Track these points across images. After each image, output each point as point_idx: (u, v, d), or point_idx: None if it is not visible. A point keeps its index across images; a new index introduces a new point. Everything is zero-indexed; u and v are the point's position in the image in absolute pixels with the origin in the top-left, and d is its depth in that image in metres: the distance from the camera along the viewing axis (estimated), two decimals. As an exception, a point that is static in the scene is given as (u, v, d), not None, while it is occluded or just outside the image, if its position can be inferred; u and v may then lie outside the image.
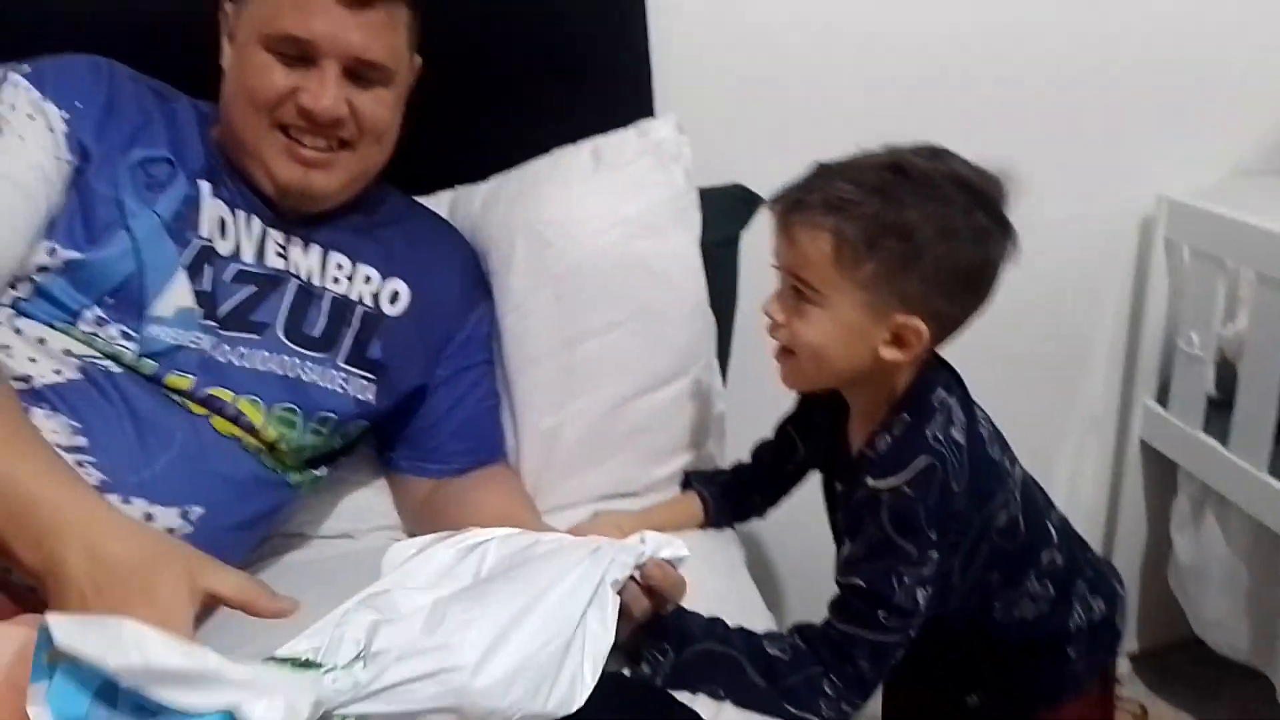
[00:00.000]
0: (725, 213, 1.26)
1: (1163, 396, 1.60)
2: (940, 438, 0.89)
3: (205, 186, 0.97)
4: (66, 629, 0.56)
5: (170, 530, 0.89)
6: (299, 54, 0.93)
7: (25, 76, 0.93)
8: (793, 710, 0.88)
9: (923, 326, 0.86)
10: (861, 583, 0.88)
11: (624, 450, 1.15)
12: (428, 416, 1.09)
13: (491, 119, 1.21)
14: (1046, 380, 1.66)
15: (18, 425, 0.78)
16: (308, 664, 0.66)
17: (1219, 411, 1.48)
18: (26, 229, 0.88)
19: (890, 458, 0.89)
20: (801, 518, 1.14)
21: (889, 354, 0.87)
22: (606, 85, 1.24)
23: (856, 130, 1.47)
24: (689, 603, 0.91)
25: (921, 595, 0.88)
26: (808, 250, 0.86)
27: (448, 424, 1.09)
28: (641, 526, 1.05)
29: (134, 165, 0.94)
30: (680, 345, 1.15)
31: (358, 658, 0.66)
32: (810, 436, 1.09)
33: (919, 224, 0.83)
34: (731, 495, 1.16)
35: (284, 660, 0.67)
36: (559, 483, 1.14)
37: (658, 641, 0.89)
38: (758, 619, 0.98)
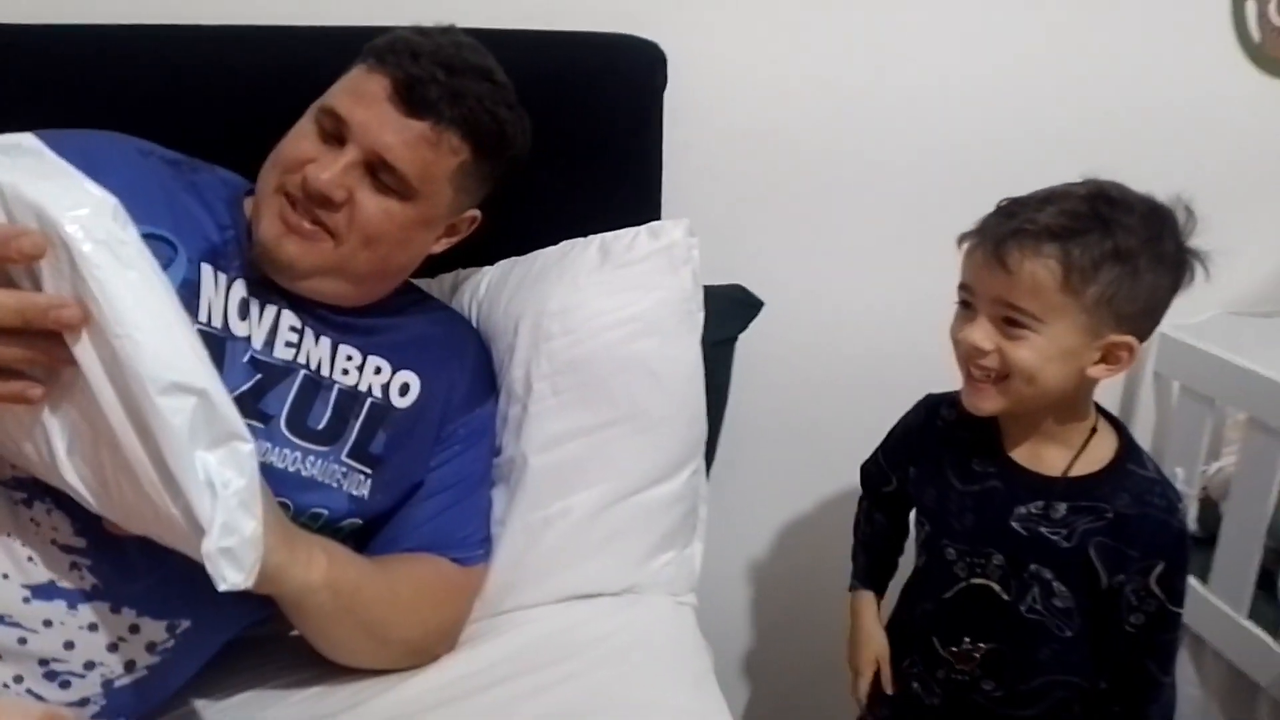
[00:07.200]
0: (725, 313, 1.25)
1: (1143, 527, 1.59)
2: None
3: (208, 269, 0.92)
4: None
5: (152, 643, 0.85)
6: (334, 132, 0.93)
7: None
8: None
9: (1136, 344, 0.90)
10: (1172, 592, 0.97)
11: (605, 551, 1.09)
12: (408, 502, 1.04)
13: (499, 204, 1.19)
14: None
15: None
16: None
17: (1198, 548, 1.45)
18: None
19: (1159, 478, 0.98)
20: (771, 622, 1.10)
21: (1096, 371, 0.92)
22: (618, 181, 1.23)
23: (858, 238, 1.47)
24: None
25: None
26: (1031, 277, 0.88)
27: (423, 511, 1.03)
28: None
29: None
30: (673, 449, 1.12)
31: None
32: (908, 469, 1.11)
33: (1137, 249, 0.87)
34: (887, 567, 1.23)
35: None
36: (536, 580, 1.08)
37: None
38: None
